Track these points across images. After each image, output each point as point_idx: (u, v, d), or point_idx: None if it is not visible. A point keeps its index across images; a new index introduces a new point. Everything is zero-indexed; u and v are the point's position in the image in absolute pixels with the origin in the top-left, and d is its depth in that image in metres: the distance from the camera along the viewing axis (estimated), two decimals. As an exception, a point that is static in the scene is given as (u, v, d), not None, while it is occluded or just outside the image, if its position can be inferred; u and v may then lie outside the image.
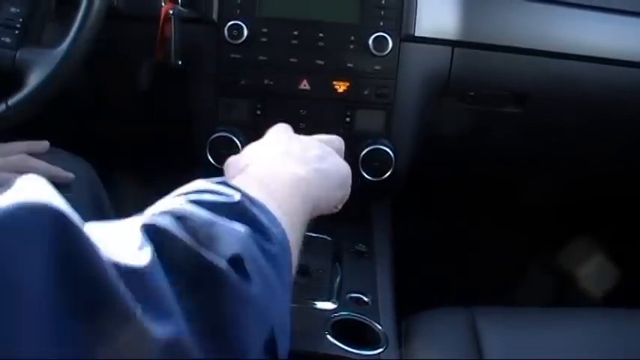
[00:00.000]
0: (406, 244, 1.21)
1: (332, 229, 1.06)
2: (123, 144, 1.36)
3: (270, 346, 0.45)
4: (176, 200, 0.47)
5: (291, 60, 1.08)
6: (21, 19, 0.97)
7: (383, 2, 1.06)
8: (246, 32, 1.06)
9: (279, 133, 0.72)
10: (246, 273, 0.42)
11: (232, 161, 0.69)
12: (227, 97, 1.10)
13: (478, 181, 1.45)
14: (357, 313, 0.95)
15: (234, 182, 0.55)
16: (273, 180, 0.58)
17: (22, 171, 0.85)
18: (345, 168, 0.72)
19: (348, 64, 1.07)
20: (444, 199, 1.53)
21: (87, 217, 0.97)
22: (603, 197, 1.50)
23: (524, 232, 1.50)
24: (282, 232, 0.51)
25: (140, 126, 1.29)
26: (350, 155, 1.08)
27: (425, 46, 1.09)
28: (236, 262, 0.42)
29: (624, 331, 0.98)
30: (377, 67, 1.07)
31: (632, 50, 1.13)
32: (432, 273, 1.45)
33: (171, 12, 1.03)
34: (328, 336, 0.89)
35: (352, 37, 1.06)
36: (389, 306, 0.99)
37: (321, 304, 0.95)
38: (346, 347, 0.88)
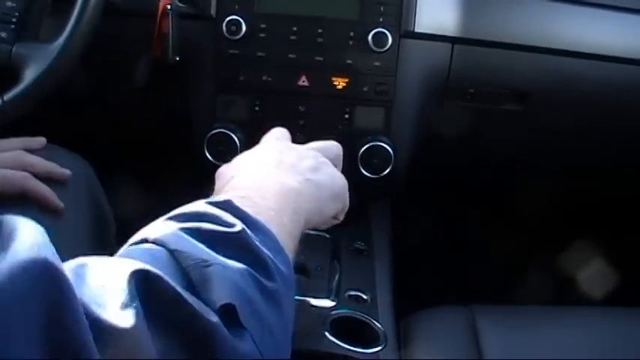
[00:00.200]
0: (405, 244, 1.20)
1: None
2: (120, 140, 1.36)
3: None
4: (173, 226, 0.46)
5: (290, 56, 1.07)
6: (17, 14, 0.97)
7: (382, -2, 1.05)
8: (244, 28, 1.05)
9: (274, 140, 0.71)
10: (238, 324, 0.41)
11: (222, 171, 0.67)
12: (225, 93, 1.09)
13: (478, 181, 1.45)
14: (356, 311, 0.94)
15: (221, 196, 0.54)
16: (259, 190, 0.57)
17: (17, 167, 0.84)
18: (340, 179, 0.70)
19: (348, 61, 1.07)
20: (444, 199, 1.53)
21: (83, 215, 0.96)
22: (603, 198, 1.49)
23: (524, 233, 1.50)
24: (287, 261, 0.49)
25: (138, 122, 1.29)
26: (349, 152, 1.09)
27: (425, 42, 1.09)
28: (229, 311, 0.41)
29: (624, 330, 0.98)
30: (376, 64, 1.06)
31: (633, 48, 1.13)
32: (431, 274, 1.45)
33: (168, 7, 1.03)
34: (327, 334, 0.89)
35: (351, 33, 1.06)
36: (388, 304, 0.98)
37: (320, 302, 0.95)
38: (345, 345, 0.87)
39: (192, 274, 0.42)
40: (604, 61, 1.11)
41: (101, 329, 0.35)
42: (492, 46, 1.10)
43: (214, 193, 0.65)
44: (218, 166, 1.05)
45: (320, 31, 1.06)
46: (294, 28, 1.07)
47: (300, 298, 0.94)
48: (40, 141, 0.93)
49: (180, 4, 1.05)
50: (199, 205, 0.50)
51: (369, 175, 1.07)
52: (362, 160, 1.06)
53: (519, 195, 1.39)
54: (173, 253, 0.43)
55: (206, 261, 0.43)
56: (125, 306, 0.36)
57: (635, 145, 1.23)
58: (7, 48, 0.94)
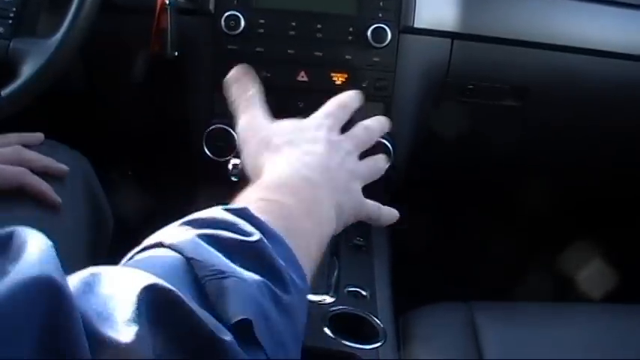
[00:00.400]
0: (404, 240, 1.20)
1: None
2: (118, 136, 1.35)
3: None
4: (190, 232, 0.45)
5: (289, 51, 1.07)
6: (15, 9, 0.96)
7: (382, -7, 1.05)
8: (243, 23, 1.05)
9: (324, 125, 0.68)
10: (253, 339, 0.40)
11: (259, 142, 0.65)
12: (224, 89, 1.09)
13: (477, 178, 1.45)
14: (355, 307, 0.94)
15: (254, 192, 0.53)
16: (284, 193, 0.56)
17: (15, 162, 0.84)
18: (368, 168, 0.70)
19: (347, 56, 1.06)
20: (443, 196, 1.52)
21: (81, 210, 0.96)
22: (603, 196, 1.49)
23: (524, 231, 1.50)
24: (302, 274, 0.48)
25: (136, 118, 1.28)
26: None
27: (424, 37, 1.08)
28: (244, 327, 0.40)
29: (623, 326, 0.98)
30: (375, 59, 1.06)
31: (633, 43, 1.12)
32: (429, 270, 1.45)
33: (167, 2, 1.02)
34: (326, 330, 0.88)
35: (350, 29, 1.05)
36: (387, 300, 0.98)
37: (319, 298, 0.95)
38: (344, 341, 0.87)
39: (207, 286, 0.41)
40: (603, 56, 1.11)
41: (100, 343, 0.34)
42: (492, 41, 1.10)
43: (244, 153, 0.66)
44: (216, 162, 1.06)
45: (319, 26, 1.06)
46: (293, 24, 1.06)
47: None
48: (38, 137, 0.92)
49: (178, 0, 1.04)
50: (216, 211, 0.48)
51: (368, 171, 1.06)
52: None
53: (519, 192, 1.39)
54: (189, 262, 0.42)
55: (223, 272, 0.41)
56: (130, 321, 0.35)
57: (635, 141, 1.23)
58: (5, 43, 0.94)
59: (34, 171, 0.85)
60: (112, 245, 1.01)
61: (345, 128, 0.70)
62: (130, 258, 0.45)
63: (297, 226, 0.54)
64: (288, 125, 0.67)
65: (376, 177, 0.71)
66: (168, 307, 0.37)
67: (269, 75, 1.07)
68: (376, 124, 0.73)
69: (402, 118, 1.10)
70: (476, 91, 1.15)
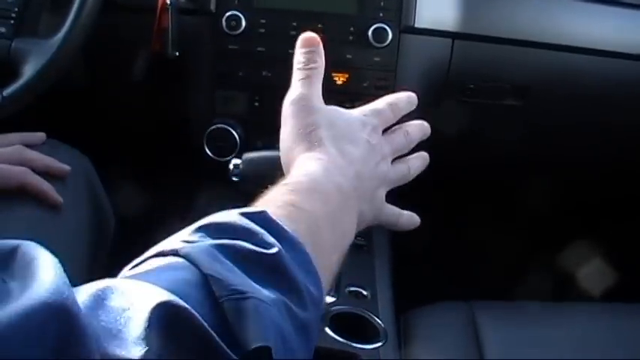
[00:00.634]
0: (405, 240, 1.20)
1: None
2: (119, 136, 1.35)
3: None
4: (206, 241, 0.43)
5: (290, 51, 1.06)
6: (16, 9, 0.97)
7: (382, -7, 1.05)
8: (244, 23, 1.05)
9: (372, 123, 0.66)
10: None
11: (302, 128, 0.62)
12: (225, 88, 1.09)
13: (478, 177, 1.45)
14: (356, 307, 0.94)
15: (285, 193, 0.53)
16: (311, 195, 0.55)
17: (17, 162, 0.84)
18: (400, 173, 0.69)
19: (347, 56, 1.06)
20: (444, 196, 1.52)
21: (82, 210, 0.96)
22: (603, 194, 1.49)
23: (524, 230, 1.50)
24: (319, 285, 0.47)
25: (137, 118, 1.28)
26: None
27: (425, 37, 1.08)
28: (262, 351, 0.38)
29: (624, 325, 0.98)
30: (376, 59, 1.06)
31: (632, 43, 1.12)
32: (430, 270, 1.45)
33: (168, 2, 1.02)
34: (327, 329, 0.88)
35: (351, 28, 1.05)
36: (388, 300, 0.98)
37: (320, 298, 0.95)
38: (345, 341, 0.87)
39: (226, 306, 0.39)
40: (604, 56, 1.11)
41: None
42: (492, 41, 1.10)
43: (284, 130, 0.64)
44: (217, 162, 1.06)
45: (320, 26, 1.06)
46: (294, 24, 1.06)
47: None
48: (40, 136, 0.92)
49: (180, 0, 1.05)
50: (233, 216, 0.46)
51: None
52: None
53: (520, 192, 1.39)
54: (206, 278, 0.40)
55: (242, 292, 0.40)
56: (140, 339, 0.34)
57: (635, 140, 1.23)
58: (7, 43, 0.94)
59: (36, 170, 0.85)
60: (113, 244, 1.01)
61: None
62: (142, 261, 0.44)
63: (321, 237, 0.53)
64: (336, 117, 0.65)
65: (404, 182, 0.70)
66: (181, 326, 0.36)
67: (270, 75, 1.08)
68: (417, 132, 0.71)
69: (402, 117, 1.10)
70: (477, 91, 1.15)
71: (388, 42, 1.04)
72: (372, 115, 0.67)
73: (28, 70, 0.91)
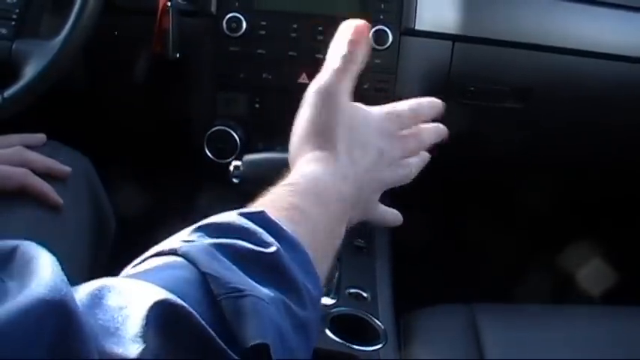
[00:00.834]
0: (405, 242, 1.20)
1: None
2: (120, 137, 1.36)
3: None
4: (205, 240, 0.44)
5: (290, 53, 1.07)
6: (17, 10, 0.97)
7: (383, -5, 1.05)
8: (244, 25, 1.05)
9: (390, 129, 0.65)
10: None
11: (322, 122, 0.61)
12: (225, 90, 1.09)
13: (478, 179, 1.45)
14: (356, 309, 0.94)
15: (288, 194, 0.52)
16: (317, 196, 0.55)
17: (17, 163, 0.84)
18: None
19: (348, 58, 1.06)
20: (444, 197, 1.52)
21: (83, 211, 0.95)
22: (603, 196, 1.49)
23: (524, 231, 1.49)
24: (318, 283, 0.47)
25: (137, 119, 1.28)
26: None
27: (425, 40, 1.08)
28: (260, 349, 0.38)
29: (624, 328, 0.98)
30: (377, 61, 1.06)
31: (633, 46, 1.12)
32: (430, 272, 1.44)
33: (169, 4, 1.03)
34: (327, 331, 0.88)
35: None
36: (388, 302, 0.98)
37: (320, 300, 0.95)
38: (345, 343, 0.87)
39: (224, 304, 0.39)
40: (605, 59, 1.11)
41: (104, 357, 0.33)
42: (493, 43, 1.10)
43: (300, 117, 0.63)
44: (218, 164, 1.06)
45: (320, 28, 1.06)
46: (295, 26, 1.06)
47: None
48: (40, 137, 0.93)
49: (180, 1, 1.05)
50: (232, 216, 0.47)
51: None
52: None
53: (519, 193, 1.39)
54: (204, 276, 0.40)
55: (240, 290, 0.40)
56: (138, 337, 0.34)
57: (635, 142, 1.23)
58: (8, 44, 0.94)
59: (36, 172, 0.85)
60: (113, 245, 1.01)
61: None
62: (142, 261, 0.44)
63: (319, 241, 0.53)
64: (356, 119, 0.63)
65: (404, 183, 0.68)
66: (180, 325, 0.36)
67: (270, 77, 1.08)
68: (432, 135, 0.69)
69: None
70: (477, 93, 1.14)
71: (389, 44, 1.04)
72: (391, 118, 0.65)
73: (29, 72, 0.91)
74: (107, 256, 0.99)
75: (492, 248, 1.45)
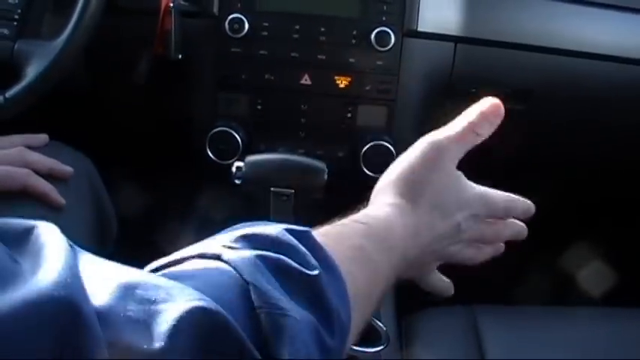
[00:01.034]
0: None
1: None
2: (122, 138, 1.35)
3: None
4: (249, 249, 0.43)
5: (292, 54, 1.07)
6: (19, 10, 0.97)
7: (385, -4, 1.05)
8: (247, 26, 1.05)
9: (476, 215, 0.65)
10: None
11: (414, 171, 0.62)
12: (227, 91, 1.09)
13: (478, 180, 1.44)
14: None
15: (359, 231, 0.52)
16: (377, 238, 0.55)
17: (19, 164, 0.84)
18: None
19: (350, 59, 1.06)
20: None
21: (85, 212, 0.95)
22: (604, 197, 1.49)
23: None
24: (348, 316, 0.47)
25: (139, 120, 1.29)
26: (351, 151, 1.08)
27: (427, 41, 1.08)
28: None
29: (625, 330, 0.98)
30: (379, 63, 1.06)
31: (634, 47, 1.12)
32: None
33: (171, 5, 1.03)
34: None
35: (354, 32, 1.06)
36: (389, 303, 0.98)
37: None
38: (346, 344, 0.87)
39: (263, 318, 0.39)
40: (607, 61, 1.11)
41: (125, 350, 0.33)
42: (495, 45, 1.10)
43: (399, 162, 0.63)
44: (219, 165, 1.06)
45: (322, 29, 1.06)
46: (297, 27, 1.06)
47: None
48: (42, 138, 0.93)
49: (182, 2, 1.05)
50: (277, 230, 0.46)
51: (371, 174, 1.06)
52: (364, 159, 1.06)
53: (520, 193, 1.39)
54: (247, 286, 0.40)
55: (281, 308, 0.40)
56: (165, 335, 0.34)
57: (635, 143, 1.23)
58: (9, 44, 0.94)
59: (38, 172, 0.85)
60: (116, 245, 1.01)
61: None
62: (179, 261, 0.44)
63: (373, 284, 0.53)
64: (453, 186, 0.64)
65: (467, 264, 0.69)
66: (215, 331, 0.36)
67: (272, 78, 1.08)
68: (513, 233, 0.70)
69: (405, 121, 1.10)
70: (479, 95, 1.14)
71: (391, 45, 1.04)
72: (484, 203, 0.66)
73: (31, 72, 0.91)
74: (109, 256, 0.99)
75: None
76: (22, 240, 0.36)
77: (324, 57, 1.07)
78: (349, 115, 1.08)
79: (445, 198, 0.62)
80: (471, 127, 0.65)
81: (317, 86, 1.08)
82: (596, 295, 1.40)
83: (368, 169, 1.06)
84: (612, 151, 1.27)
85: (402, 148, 1.06)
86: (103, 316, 0.33)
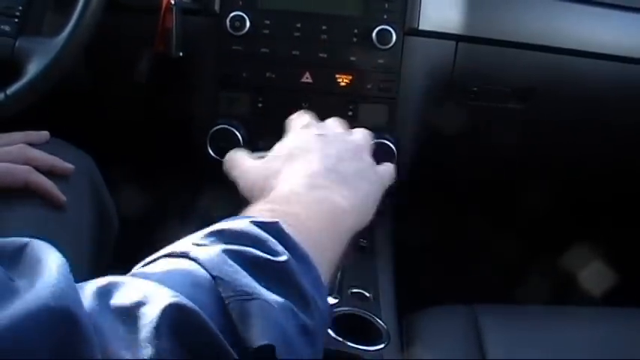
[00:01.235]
0: (408, 242, 1.20)
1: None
2: (123, 136, 1.35)
3: None
4: (217, 246, 0.44)
5: (294, 53, 1.07)
6: (20, 8, 0.96)
7: (387, -5, 1.05)
8: (248, 24, 1.05)
9: (309, 131, 0.67)
10: None
11: (258, 176, 0.63)
12: (228, 89, 1.09)
13: (480, 179, 1.45)
14: (359, 309, 0.94)
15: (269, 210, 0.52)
16: (306, 209, 0.54)
17: (20, 161, 0.84)
18: (386, 173, 0.70)
19: (351, 58, 1.06)
20: (446, 197, 1.52)
21: (86, 209, 0.95)
22: (604, 197, 1.49)
23: (526, 232, 1.49)
24: (324, 296, 0.47)
25: (140, 118, 1.28)
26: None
27: (429, 40, 1.08)
28: (265, 352, 0.39)
29: (625, 330, 0.98)
30: (380, 61, 1.06)
31: (635, 47, 1.12)
32: (433, 272, 1.44)
33: (172, 2, 1.02)
34: (329, 331, 0.88)
35: (355, 30, 1.05)
36: (390, 301, 0.98)
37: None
38: (347, 342, 0.87)
39: (231, 307, 0.39)
40: (608, 60, 1.11)
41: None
42: (496, 44, 1.10)
43: (252, 197, 0.63)
44: (220, 163, 1.05)
45: (324, 27, 1.06)
46: (298, 25, 1.06)
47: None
48: (43, 135, 0.92)
49: (184, 0, 1.05)
50: (244, 224, 0.47)
51: (372, 172, 1.06)
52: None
53: (521, 193, 1.39)
54: (214, 279, 0.41)
55: (248, 294, 0.40)
56: (147, 340, 0.34)
57: (636, 142, 1.23)
58: (10, 42, 0.94)
59: (39, 169, 0.85)
60: (116, 244, 1.01)
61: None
62: (152, 262, 0.44)
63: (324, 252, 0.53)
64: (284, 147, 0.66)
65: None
66: (191, 329, 0.36)
67: (273, 76, 1.08)
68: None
69: (406, 119, 1.10)
70: (479, 94, 1.15)
71: (392, 44, 1.04)
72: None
73: (32, 69, 0.91)
74: (110, 254, 0.99)
75: (494, 248, 1.45)
76: (16, 258, 0.36)
77: (325, 55, 1.07)
78: (350, 113, 1.08)
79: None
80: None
81: (318, 84, 1.08)
82: (597, 295, 1.40)
83: (369, 168, 1.06)
84: (614, 150, 1.27)
85: (402, 146, 1.07)
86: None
